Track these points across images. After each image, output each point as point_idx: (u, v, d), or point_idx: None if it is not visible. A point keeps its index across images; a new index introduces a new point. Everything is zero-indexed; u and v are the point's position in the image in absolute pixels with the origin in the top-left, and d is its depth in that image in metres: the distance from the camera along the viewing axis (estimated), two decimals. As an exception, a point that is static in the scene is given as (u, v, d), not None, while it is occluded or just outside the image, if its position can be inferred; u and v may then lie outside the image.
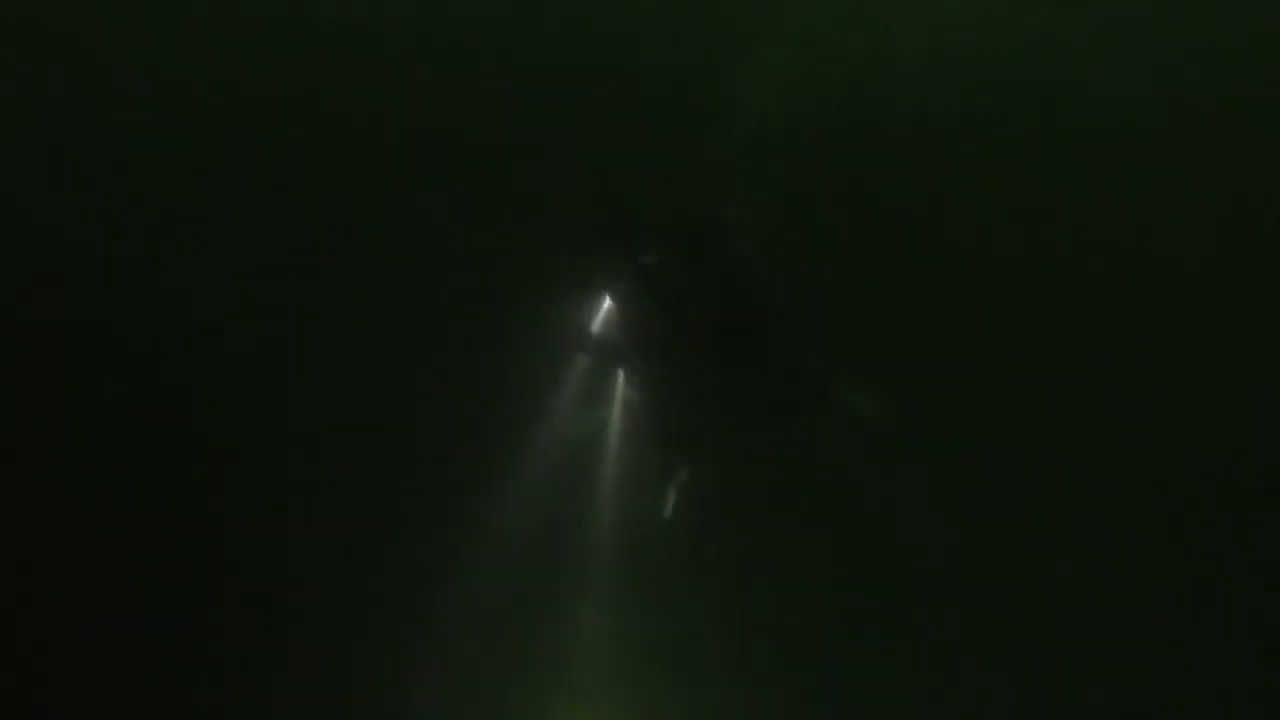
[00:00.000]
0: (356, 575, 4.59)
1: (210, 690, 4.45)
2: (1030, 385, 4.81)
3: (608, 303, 4.62)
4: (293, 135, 4.86)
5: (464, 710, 4.63)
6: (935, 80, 4.99)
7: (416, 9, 4.93)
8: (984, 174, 4.96)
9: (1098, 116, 4.92)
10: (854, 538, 4.71)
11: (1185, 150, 4.82)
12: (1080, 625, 4.67)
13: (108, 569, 4.44)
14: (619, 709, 4.71)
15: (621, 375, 4.74)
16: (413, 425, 4.76)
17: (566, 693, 4.70)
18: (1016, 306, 4.86)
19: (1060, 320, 4.87)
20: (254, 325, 4.75)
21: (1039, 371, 4.83)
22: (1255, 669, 4.58)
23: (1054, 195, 4.95)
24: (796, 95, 4.71)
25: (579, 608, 4.74)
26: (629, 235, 4.50)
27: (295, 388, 4.75)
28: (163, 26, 4.90)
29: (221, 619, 4.47)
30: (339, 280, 4.83)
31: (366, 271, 4.84)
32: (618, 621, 4.73)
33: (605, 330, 4.62)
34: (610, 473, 4.82)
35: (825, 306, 4.68)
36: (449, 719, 4.62)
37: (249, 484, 4.64)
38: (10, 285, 4.64)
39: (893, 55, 4.96)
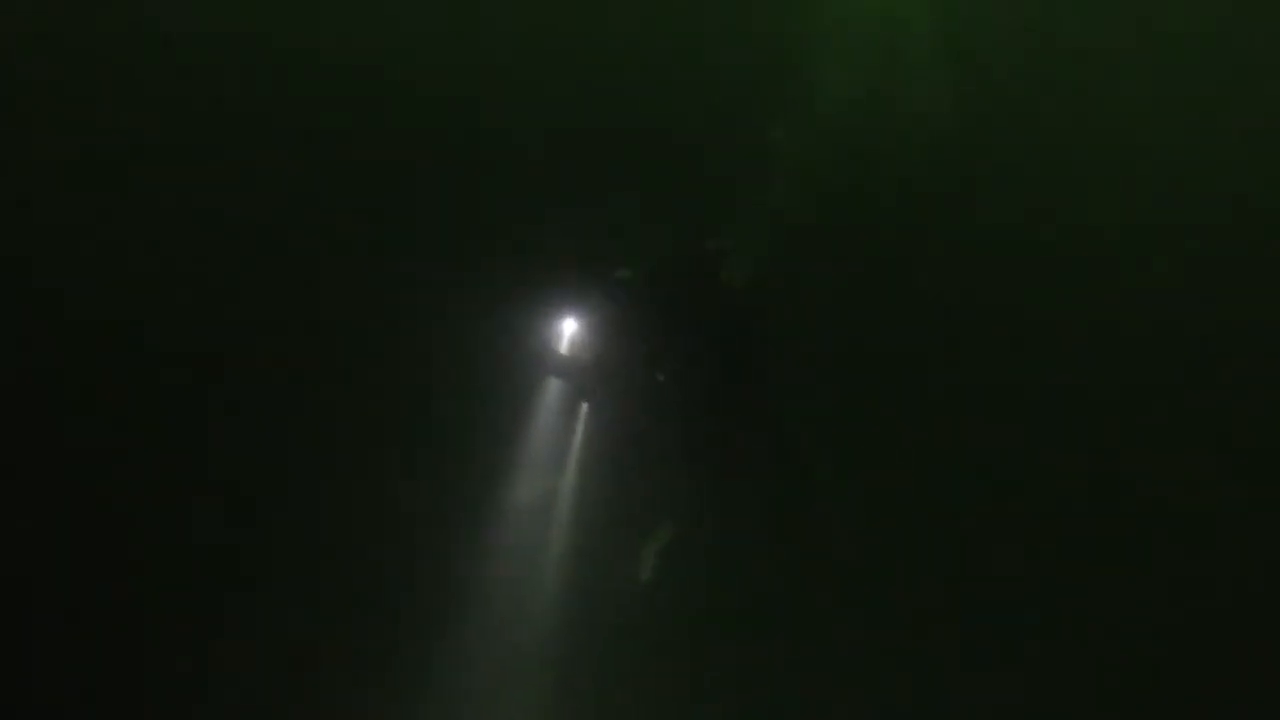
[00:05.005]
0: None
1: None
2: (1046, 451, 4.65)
3: (575, 324, 4.43)
4: (294, 152, 4.95)
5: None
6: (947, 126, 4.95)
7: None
8: (996, 223, 4.88)
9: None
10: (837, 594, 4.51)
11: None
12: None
13: (116, 578, 4.48)
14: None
15: (585, 408, 4.55)
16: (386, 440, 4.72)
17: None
18: (1032, 364, 4.72)
19: (1080, 387, 4.71)
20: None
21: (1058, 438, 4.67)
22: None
23: (1074, 252, 4.84)
24: (806, 134, 4.67)
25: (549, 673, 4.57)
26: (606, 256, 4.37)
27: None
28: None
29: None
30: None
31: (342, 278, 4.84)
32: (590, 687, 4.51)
33: (573, 352, 4.42)
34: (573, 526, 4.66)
35: (816, 357, 4.53)
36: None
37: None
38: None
39: (905, 101, 4.92)
